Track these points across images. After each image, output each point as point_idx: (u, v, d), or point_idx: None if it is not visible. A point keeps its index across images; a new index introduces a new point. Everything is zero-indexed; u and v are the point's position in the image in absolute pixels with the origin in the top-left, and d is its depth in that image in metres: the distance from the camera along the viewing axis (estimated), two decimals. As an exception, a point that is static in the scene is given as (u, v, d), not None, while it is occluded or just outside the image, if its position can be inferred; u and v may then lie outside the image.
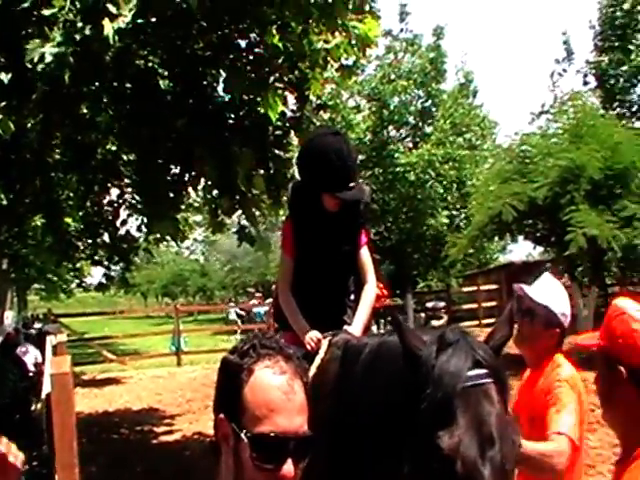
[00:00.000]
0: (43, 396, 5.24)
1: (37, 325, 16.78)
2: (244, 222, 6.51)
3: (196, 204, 8.08)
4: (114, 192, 7.22)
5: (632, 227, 10.74)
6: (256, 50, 5.31)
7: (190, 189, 6.58)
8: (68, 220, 8.27)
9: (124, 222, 7.57)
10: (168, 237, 7.50)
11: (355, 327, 2.76)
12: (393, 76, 20.04)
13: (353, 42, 5.33)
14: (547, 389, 2.48)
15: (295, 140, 6.23)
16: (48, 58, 3.89)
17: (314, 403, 1.24)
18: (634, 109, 21.25)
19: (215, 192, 6.27)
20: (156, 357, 16.50)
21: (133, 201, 7.20)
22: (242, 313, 24.77)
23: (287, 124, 5.92)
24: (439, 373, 1.59)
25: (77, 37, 4.04)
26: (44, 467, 5.29)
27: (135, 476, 6.73)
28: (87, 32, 4.08)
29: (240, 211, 6.29)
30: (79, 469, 2.65)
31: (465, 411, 1.53)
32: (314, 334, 2.65)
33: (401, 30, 21.06)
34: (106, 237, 7.93)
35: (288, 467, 1.14)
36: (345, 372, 2.31)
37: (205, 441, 7.92)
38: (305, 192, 2.88)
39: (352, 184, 2.76)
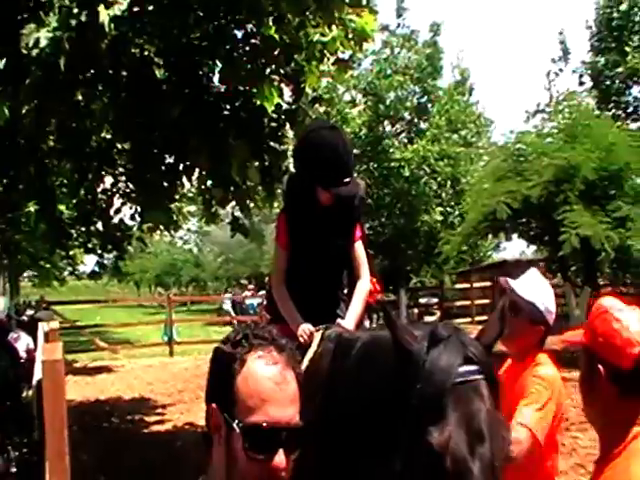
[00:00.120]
0: (34, 383, 5.23)
1: (29, 312, 16.69)
2: (238, 213, 6.50)
3: (190, 194, 8.06)
4: (108, 180, 7.18)
5: (625, 228, 10.80)
6: (252, 41, 5.29)
7: (184, 179, 6.56)
8: (62, 207, 8.22)
9: (118, 211, 7.54)
10: (161, 227, 7.49)
11: (348, 321, 2.77)
12: (389, 71, 20.01)
13: (350, 36, 5.32)
14: (525, 386, 2.49)
15: (290, 133, 6.22)
16: (43, 42, 3.86)
17: (305, 396, 1.24)
18: (629, 110, 21.32)
19: (209, 183, 6.26)
20: (148, 346, 16.50)
21: (127, 190, 7.17)
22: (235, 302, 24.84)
23: (283, 116, 5.90)
24: (430, 369, 1.59)
25: (73, 23, 4.02)
26: (34, 454, 5.29)
27: (126, 465, 6.74)
28: (83, 18, 4.06)
29: (234, 202, 6.28)
30: (69, 457, 2.65)
31: (455, 407, 1.54)
32: (307, 327, 2.66)
33: (398, 25, 21.02)
34: (99, 225, 7.90)
35: (280, 457, 1.14)
36: (337, 366, 2.31)
37: (196, 431, 7.93)
38: (300, 185, 2.88)
39: (347, 179, 2.76)
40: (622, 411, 1.64)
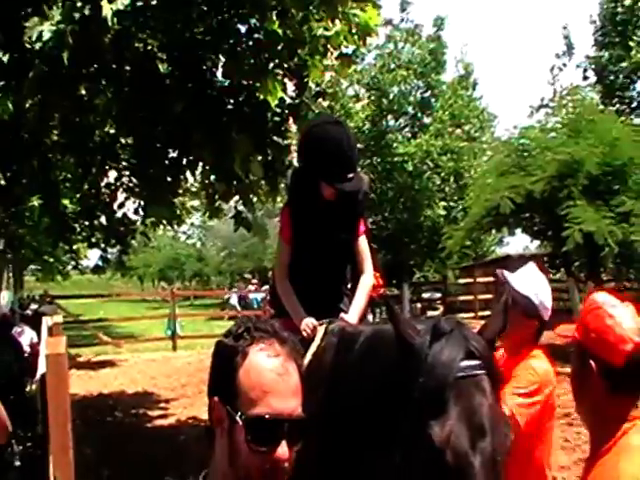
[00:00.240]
0: (38, 377, 5.24)
1: (33, 306, 16.76)
2: (241, 208, 6.50)
3: (193, 189, 8.06)
4: (112, 175, 7.19)
5: (629, 223, 10.77)
6: (256, 36, 5.28)
7: (187, 174, 6.57)
8: (65, 202, 8.24)
9: (121, 205, 7.55)
10: (165, 221, 7.50)
11: (351, 315, 2.77)
12: (393, 66, 19.97)
13: (353, 30, 5.30)
14: (517, 378, 2.49)
15: (294, 127, 6.21)
16: (46, 36, 3.85)
17: (308, 390, 1.25)
18: (633, 105, 21.24)
19: (212, 177, 6.26)
20: (152, 341, 16.53)
21: (131, 184, 7.18)
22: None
23: (286, 111, 5.90)
24: (432, 363, 1.60)
25: (76, 16, 4.02)
26: (38, 448, 5.31)
27: (129, 459, 6.76)
28: (86, 12, 4.05)
29: (237, 197, 6.28)
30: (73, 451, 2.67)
31: (457, 402, 1.54)
32: (310, 321, 2.66)
33: (402, 20, 21.00)
34: (103, 219, 7.91)
35: (282, 449, 1.14)
36: (340, 359, 2.32)
37: (199, 426, 7.95)
38: (304, 179, 2.88)
39: (351, 175, 2.76)
40: (613, 408, 1.63)
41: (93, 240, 8.82)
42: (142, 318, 20.40)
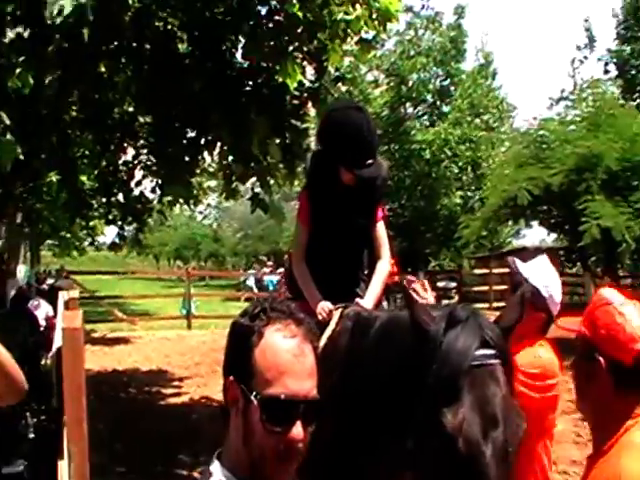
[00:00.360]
0: (54, 350, 5.30)
1: (50, 281, 16.95)
2: (258, 189, 6.50)
3: (211, 169, 8.07)
4: (130, 152, 7.22)
5: (647, 219, 10.65)
6: (276, 18, 5.24)
7: (205, 154, 6.57)
8: (83, 178, 8.28)
9: (139, 183, 7.58)
10: (181, 200, 7.52)
11: (367, 300, 2.77)
12: (412, 52, 19.80)
13: (374, 16, 5.24)
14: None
15: (312, 111, 6.19)
16: (67, 10, 3.84)
17: (323, 373, 1.24)
18: (654, 101, 20.85)
19: (230, 158, 6.25)
20: (167, 319, 16.66)
21: (148, 162, 7.20)
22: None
23: (305, 94, 5.87)
24: (447, 350, 1.59)
25: (97, -7, 4.00)
26: (53, 422, 5.37)
27: (142, 435, 6.84)
28: (108, -11, 4.04)
29: (254, 178, 6.28)
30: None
31: (470, 390, 1.54)
32: (326, 305, 2.66)
33: (422, 7, 20.83)
34: (120, 197, 7.95)
35: (297, 430, 1.14)
36: (355, 344, 2.32)
37: (212, 405, 8.02)
38: (324, 163, 2.87)
39: (370, 161, 2.74)
40: (617, 405, 1.61)
41: (110, 217, 8.88)
42: (157, 296, 20.54)
